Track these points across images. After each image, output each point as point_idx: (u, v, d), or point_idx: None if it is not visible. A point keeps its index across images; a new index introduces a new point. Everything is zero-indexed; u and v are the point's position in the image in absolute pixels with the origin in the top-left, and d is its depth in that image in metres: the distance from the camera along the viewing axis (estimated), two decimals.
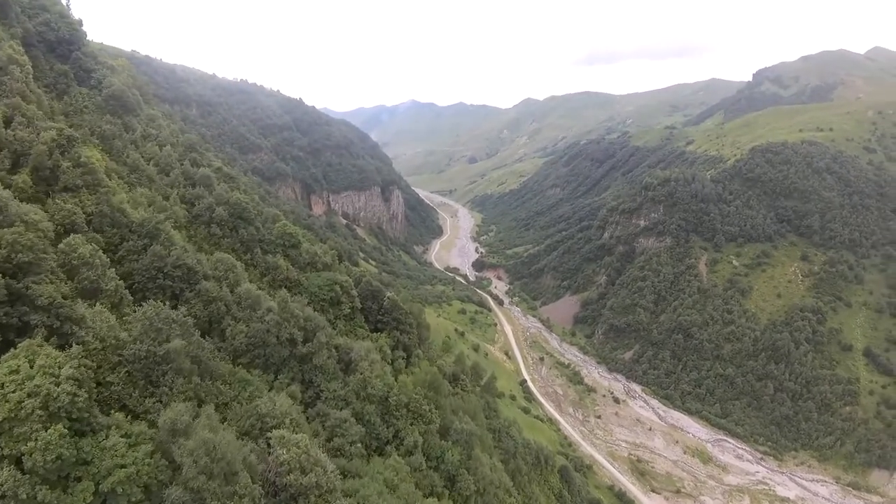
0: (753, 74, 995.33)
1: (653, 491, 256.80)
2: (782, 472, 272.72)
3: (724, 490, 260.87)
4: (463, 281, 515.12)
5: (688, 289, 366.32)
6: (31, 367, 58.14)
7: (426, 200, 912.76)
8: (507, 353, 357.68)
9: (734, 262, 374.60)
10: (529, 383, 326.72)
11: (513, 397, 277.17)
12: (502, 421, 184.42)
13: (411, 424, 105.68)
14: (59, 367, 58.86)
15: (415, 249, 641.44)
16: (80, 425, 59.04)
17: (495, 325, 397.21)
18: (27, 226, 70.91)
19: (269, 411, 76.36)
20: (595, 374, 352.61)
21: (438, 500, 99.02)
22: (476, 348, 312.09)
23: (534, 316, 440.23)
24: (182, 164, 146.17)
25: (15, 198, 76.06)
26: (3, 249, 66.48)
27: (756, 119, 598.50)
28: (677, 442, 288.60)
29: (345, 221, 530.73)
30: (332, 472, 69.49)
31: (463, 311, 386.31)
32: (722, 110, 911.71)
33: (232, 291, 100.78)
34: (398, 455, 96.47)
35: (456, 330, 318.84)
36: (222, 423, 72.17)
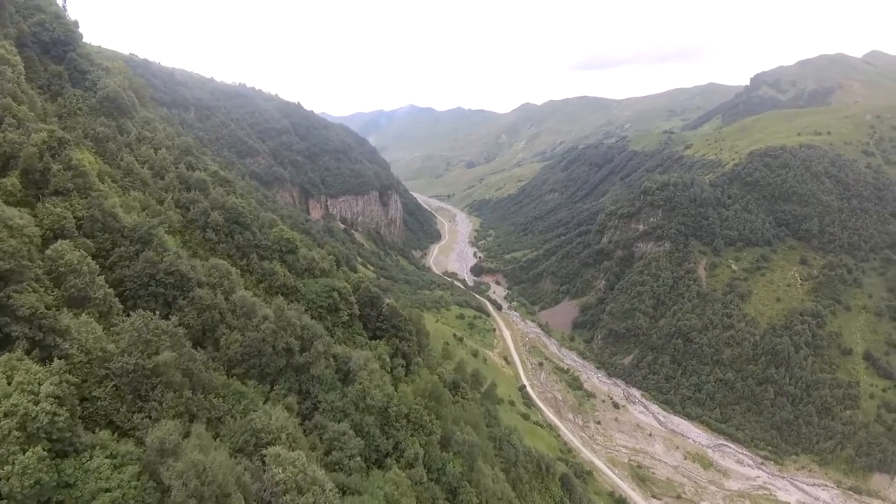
0: (751, 79, 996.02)
1: (653, 497, 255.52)
2: (783, 477, 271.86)
3: (725, 495, 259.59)
4: (461, 286, 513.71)
5: (687, 293, 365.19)
6: (9, 384, 55.02)
7: (424, 205, 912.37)
8: (505, 359, 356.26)
9: (733, 266, 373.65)
10: (528, 389, 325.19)
11: (512, 403, 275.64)
12: (503, 429, 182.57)
13: (412, 436, 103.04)
14: (39, 384, 55.71)
15: (413, 254, 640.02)
16: (62, 445, 55.77)
17: (494, 330, 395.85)
18: (11, 231, 68.30)
19: (264, 426, 73.38)
20: (594, 379, 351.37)
21: None
22: (475, 354, 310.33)
23: (532, 321, 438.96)
24: (177, 168, 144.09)
25: (2, 201, 74.22)
26: None
27: (754, 123, 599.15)
28: (678, 447, 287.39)
29: (343, 226, 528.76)
30: (330, 490, 66.69)
31: (461, 317, 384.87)
32: (720, 115, 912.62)
33: (227, 299, 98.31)
34: (398, 468, 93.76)
35: (455, 335, 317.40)
36: (215, 438, 69.45)
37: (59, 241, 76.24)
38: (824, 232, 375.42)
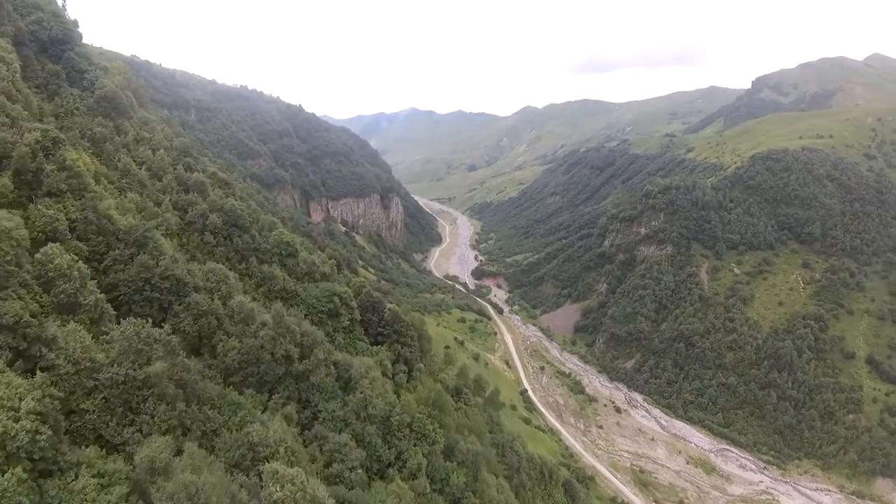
0: (752, 82, 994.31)
1: (656, 502, 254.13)
2: (786, 482, 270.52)
3: (728, 500, 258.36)
4: (462, 289, 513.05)
5: (689, 297, 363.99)
6: None
7: (425, 208, 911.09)
8: (507, 363, 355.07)
9: (735, 269, 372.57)
10: (530, 393, 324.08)
11: (513, 407, 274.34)
12: (506, 435, 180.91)
13: (414, 445, 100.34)
14: (20, 400, 52.37)
15: (414, 257, 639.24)
16: (45, 464, 52.55)
17: (495, 333, 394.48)
18: None
19: (261, 440, 69.71)
20: (596, 383, 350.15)
21: None
22: (476, 357, 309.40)
23: (534, 324, 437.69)
24: (175, 169, 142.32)
25: None
26: None
27: (756, 126, 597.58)
28: (680, 452, 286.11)
29: (344, 229, 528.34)
30: None
31: (462, 320, 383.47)
32: (721, 118, 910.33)
33: (224, 304, 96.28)
34: (401, 479, 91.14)
35: (455, 339, 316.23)
36: (210, 453, 66.46)
37: (49, 245, 73.72)
38: (827, 235, 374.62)
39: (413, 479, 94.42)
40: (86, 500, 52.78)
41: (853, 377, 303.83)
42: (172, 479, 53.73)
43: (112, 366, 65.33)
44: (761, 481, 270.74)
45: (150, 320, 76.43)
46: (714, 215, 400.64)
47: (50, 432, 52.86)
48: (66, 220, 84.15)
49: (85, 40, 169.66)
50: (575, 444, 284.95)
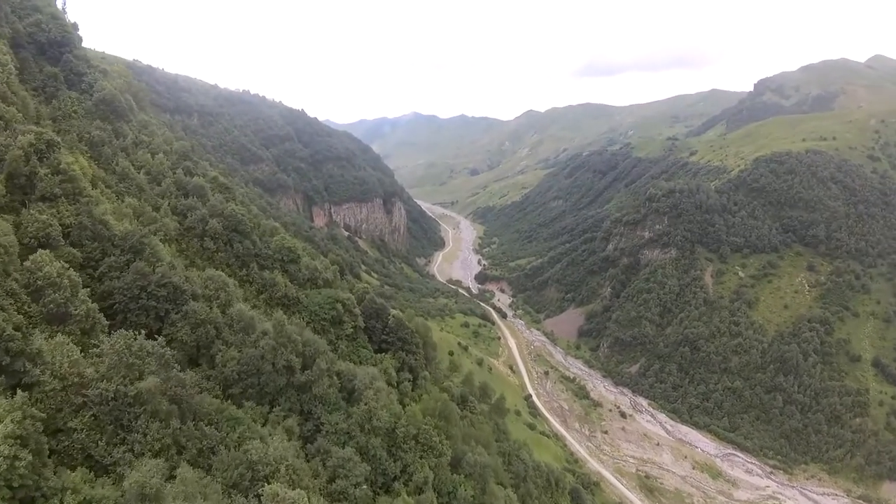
0: (754, 84, 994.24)
1: None
2: (792, 486, 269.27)
3: None
4: (466, 293, 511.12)
5: (694, 301, 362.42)
6: None
7: (428, 212, 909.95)
8: (511, 367, 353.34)
9: (740, 273, 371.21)
10: (534, 398, 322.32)
11: (518, 413, 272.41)
12: (512, 443, 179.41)
13: (421, 458, 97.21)
14: None
15: (417, 262, 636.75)
16: (26, 491, 49.14)
17: (499, 338, 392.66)
18: None
19: (261, 457, 66.46)
20: (601, 388, 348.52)
21: None
22: (480, 362, 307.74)
23: (538, 329, 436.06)
24: (175, 173, 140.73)
25: None
26: None
27: (758, 129, 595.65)
28: (686, 457, 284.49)
29: (346, 233, 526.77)
30: None
31: (466, 325, 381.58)
32: (724, 121, 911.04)
33: (223, 312, 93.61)
34: (407, 493, 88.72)
35: (459, 344, 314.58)
36: (206, 473, 63.81)
37: (39, 252, 71.26)
38: (831, 238, 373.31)
39: (419, 494, 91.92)
40: None
41: (859, 380, 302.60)
42: None
43: (101, 381, 62.31)
44: (768, 486, 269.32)
45: (146, 330, 74.84)
46: (718, 218, 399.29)
47: (30, 457, 49.50)
48: (60, 225, 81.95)
49: (88, 45, 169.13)
50: (580, 450, 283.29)
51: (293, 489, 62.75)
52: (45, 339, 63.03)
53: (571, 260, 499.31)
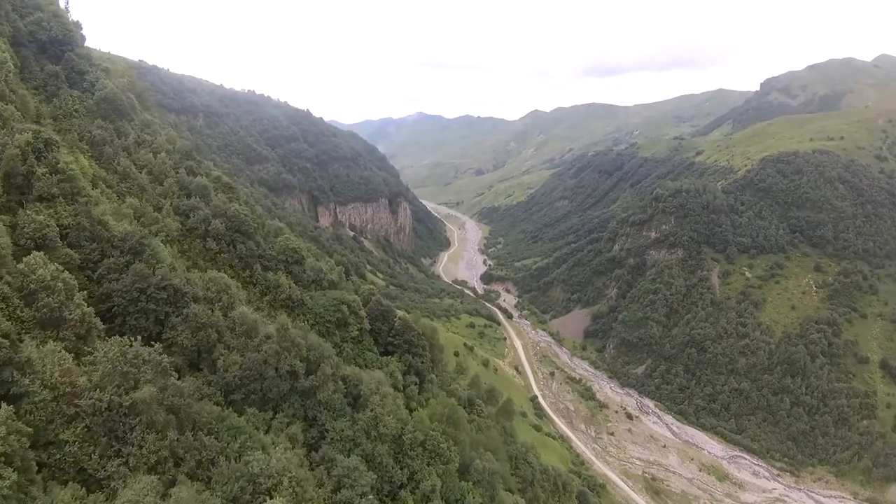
0: (761, 84, 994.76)
1: None
2: (799, 489, 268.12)
3: None
4: (471, 294, 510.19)
5: (700, 301, 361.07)
6: None
7: (434, 212, 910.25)
8: (516, 368, 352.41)
9: (747, 273, 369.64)
10: (540, 399, 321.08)
11: (524, 414, 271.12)
12: (519, 446, 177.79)
13: (428, 465, 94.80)
14: None
15: (422, 262, 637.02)
16: None
17: (504, 339, 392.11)
18: None
19: (262, 469, 63.19)
20: (607, 389, 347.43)
21: None
22: (485, 363, 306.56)
23: (543, 329, 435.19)
24: (177, 173, 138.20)
25: None
26: None
27: (765, 129, 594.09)
28: (692, 459, 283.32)
29: (352, 233, 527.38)
30: None
31: (472, 325, 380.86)
32: (730, 120, 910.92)
33: (225, 315, 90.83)
34: (414, 502, 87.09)
35: (465, 344, 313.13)
36: (205, 486, 61.21)
37: (33, 254, 68.08)
38: (839, 238, 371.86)
39: (427, 502, 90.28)
40: None
41: (867, 382, 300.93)
42: None
43: (95, 391, 59.25)
44: (774, 488, 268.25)
45: (146, 334, 73.39)
46: (725, 219, 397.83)
47: (15, 476, 46.77)
48: (58, 226, 79.34)
49: (93, 45, 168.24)
50: (586, 452, 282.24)
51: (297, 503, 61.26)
52: (37, 346, 60.29)
53: (577, 260, 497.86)
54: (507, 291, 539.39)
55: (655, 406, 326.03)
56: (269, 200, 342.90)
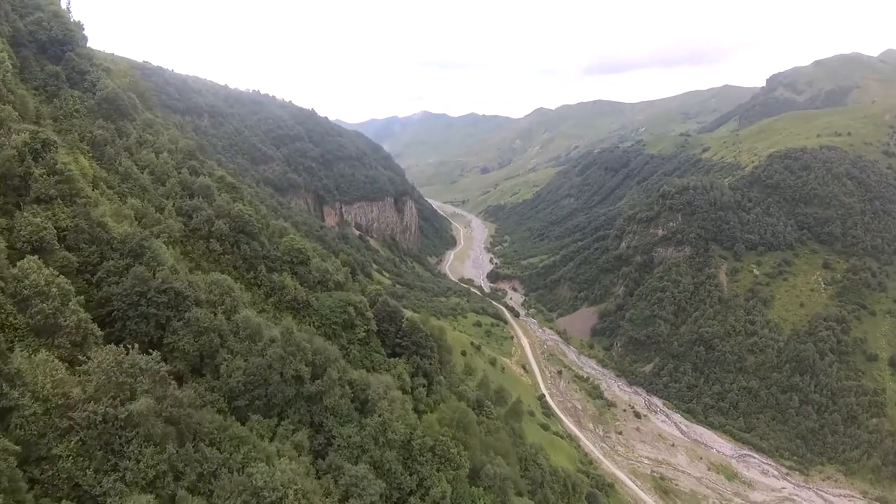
0: (767, 80, 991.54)
1: None
2: (808, 488, 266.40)
3: None
4: (478, 292, 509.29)
5: (708, 299, 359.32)
6: None
7: (439, 211, 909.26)
8: (524, 367, 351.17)
9: (755, 271, 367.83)
10: (548, 398, 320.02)
11: (531, 413, 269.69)
12: (528, 448, 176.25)
13: (438, 471, 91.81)
14: None
15: (428, 261, 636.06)
16: None
17: (511, 337, 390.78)
18: None
19: (267, 482, 60.05)
20: (615, 387, 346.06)
21: None
22: (493, 362, 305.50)
23: (550, 328, 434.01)
24: (180, 173, 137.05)
25: None
26: None
27: (772, 125, 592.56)
28: (701, 458, 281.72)
29: (358, 233, 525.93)
30: None
31: (478, 324, 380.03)
32: (736, 117, 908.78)
33: (228, 319, 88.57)
34: None
35: (472, 343, 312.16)
36: (207, 501, 58.91)
37: (27, 258, 65.88)
38: (847, 235, 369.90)
39: None
40: None
41: (876, 380, 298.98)
42: None
43: (89, 402, 56.38)
44: (784, 487, 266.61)
45: (146, 339, 71.79)
46: (732, 216, 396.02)
47: (1, 499, 45.18)
48: (56, 228, 77.39)
49: (98, 47, 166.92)
50: (594, 451, 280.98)
51: None
52: (28, 356, 57.52)
53: (584, 258, 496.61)
54: (514, 290, 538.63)
55: (664, 404, 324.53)
56: (275, 200, 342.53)
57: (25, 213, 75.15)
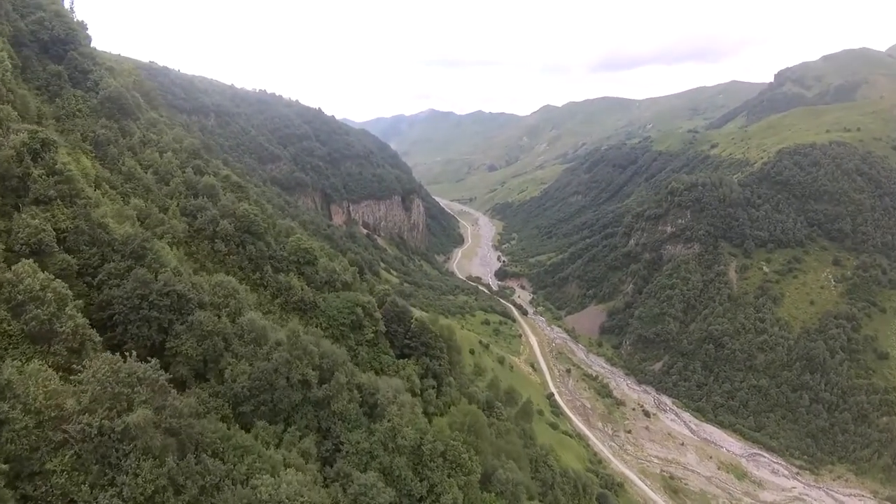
0: (775, 75, 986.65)
1: None
2: (819, 487, 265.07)
3: None
4: (485, 290, 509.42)
5: (718, 297, 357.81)
6: None
7: (446, 209, 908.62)
8: (532, 366, 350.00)
9: (764, 268, 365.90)
10: (556, 396, 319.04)
11: (540, 412, 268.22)
12: (539, 449, 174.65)
13: (449, 477, 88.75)
14: None
15: (436, 259, 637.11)
16: None
17: (520, 336, 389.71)
18: None
19: (272, 496, 57.51)
20: (624, 386, 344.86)
21: None
22: (501, 361, 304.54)
23: (559, 326, 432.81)
24: (184, 172, 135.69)
25: None
26: None
27: (780, 121, 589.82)
28: (711, 457, 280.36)
29: (365, 231, 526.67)
30: None
31: (486, 322, 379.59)
32: (744, 112, 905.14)
33: (233, 322, 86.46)
34: None
35: (480, 342, 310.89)
36: None
37: (21, 262, 63.83)
38: (857, 231, 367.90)
39: None
40: None
41: (887, 378, 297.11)
42: None
43: (84, 414, 53.46)
44: (794, 487, 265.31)
45: (148, 343, 70.38)
46: (742, 212, 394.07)
47: None
48: (55, 230, 75.42)
49: (104, 48, 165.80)
50: (603, 450, 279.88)
51: None
52: (19, 366, 54.85)
53: (592, 256, 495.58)
54: (522, 288, 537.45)
55: (673, 403, 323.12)
56: (282, 199, 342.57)
57: (24, 215, 73.29)
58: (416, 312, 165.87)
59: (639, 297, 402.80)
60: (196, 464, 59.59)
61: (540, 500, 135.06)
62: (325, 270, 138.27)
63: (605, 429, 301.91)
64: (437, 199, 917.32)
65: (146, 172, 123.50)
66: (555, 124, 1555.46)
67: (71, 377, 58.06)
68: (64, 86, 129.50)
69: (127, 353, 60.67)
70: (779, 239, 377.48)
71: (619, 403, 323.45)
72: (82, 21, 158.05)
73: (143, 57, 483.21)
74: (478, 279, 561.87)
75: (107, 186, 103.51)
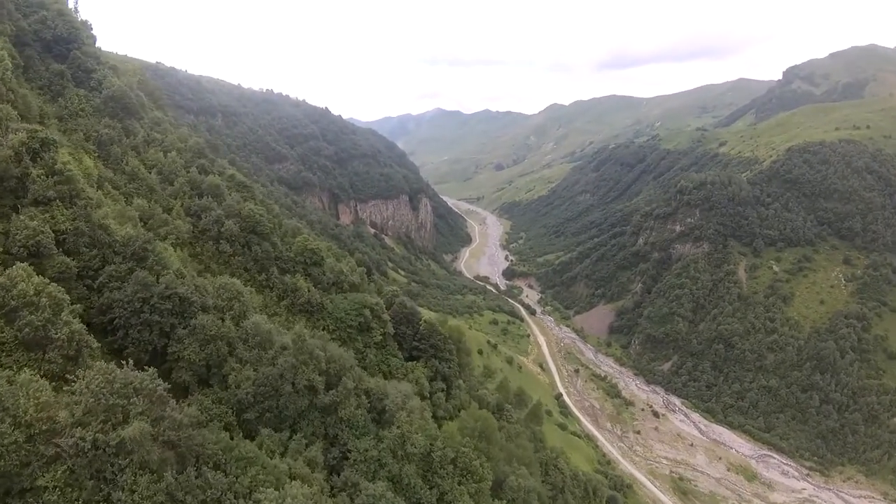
0: (783, 73, 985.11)
1: None
2: (829, 489, 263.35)
3: None
4: (493, 290, 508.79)
5: (727, 296, 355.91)
6: None
7: (454, 208, 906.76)
8: (541, 366, 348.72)
9: (774, 267, 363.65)
10: (565, 397, 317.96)
11: (549, 412, 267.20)
12: (549, 452, 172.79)
13: (459, 484, 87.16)
14: None
15: (444, 258, 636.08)
16: None
17: (528, 335, 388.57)
18: None
19: None
20: (632, 386, 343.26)
21: None
22: (510, 361, 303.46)
23: (567, 326, 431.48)
24: (188, 172, 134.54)
25: None
26: None
27: (789, 118, 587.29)
28: (720, 458, 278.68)
29: (373, 231, 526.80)
30: None
31: (495, 322, 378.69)
32: (753, 110, 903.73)
33: (237, 325, 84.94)
34: None
35: (489, 342, 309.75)
36: None
37: (16, 266, 62.03)
38: (867, 230, 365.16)
39: None
40: None
41: None
42: None
43: (77, 427, 51.21)
44: (804, 489, 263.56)
45: (149, 348, 69.55)
46: (751, 211, 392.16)
47: None
48: (54, 231, 74.06)
49: (111, 48, 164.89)
50: (612, 451, 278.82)
51: None
52: (10, 375, 52.60)
53: (601, 255, 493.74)
54: (530, 287, 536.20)
55: (682, 404, 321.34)
56: (290, 199, 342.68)
57: (22, 216, 71.97)
58: (425, 313, 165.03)
59: (648, 297, 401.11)
60: (196, 477, 57.23)
61: (551, 501, 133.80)
62: (333, 271, 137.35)
63: (614, 429, 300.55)
64: (445, 198, 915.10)
65: (150, 172, 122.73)
66: (562, 123, 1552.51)
67: (64, 388, 56.00)
68: (67, 85, 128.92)
69: (124, 361, 58.95)
70: (788, 238, 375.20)
71: (628, 404, 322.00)
72: (86, 20, 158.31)
73: (151, 58, 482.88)
74: (486, 278, 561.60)
75: (109, 187, 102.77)
